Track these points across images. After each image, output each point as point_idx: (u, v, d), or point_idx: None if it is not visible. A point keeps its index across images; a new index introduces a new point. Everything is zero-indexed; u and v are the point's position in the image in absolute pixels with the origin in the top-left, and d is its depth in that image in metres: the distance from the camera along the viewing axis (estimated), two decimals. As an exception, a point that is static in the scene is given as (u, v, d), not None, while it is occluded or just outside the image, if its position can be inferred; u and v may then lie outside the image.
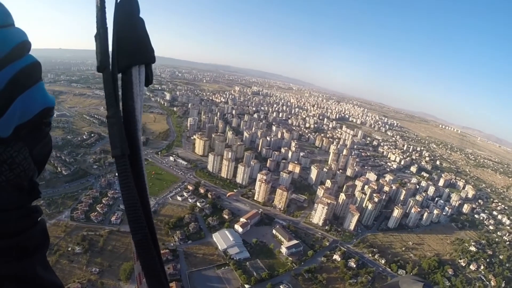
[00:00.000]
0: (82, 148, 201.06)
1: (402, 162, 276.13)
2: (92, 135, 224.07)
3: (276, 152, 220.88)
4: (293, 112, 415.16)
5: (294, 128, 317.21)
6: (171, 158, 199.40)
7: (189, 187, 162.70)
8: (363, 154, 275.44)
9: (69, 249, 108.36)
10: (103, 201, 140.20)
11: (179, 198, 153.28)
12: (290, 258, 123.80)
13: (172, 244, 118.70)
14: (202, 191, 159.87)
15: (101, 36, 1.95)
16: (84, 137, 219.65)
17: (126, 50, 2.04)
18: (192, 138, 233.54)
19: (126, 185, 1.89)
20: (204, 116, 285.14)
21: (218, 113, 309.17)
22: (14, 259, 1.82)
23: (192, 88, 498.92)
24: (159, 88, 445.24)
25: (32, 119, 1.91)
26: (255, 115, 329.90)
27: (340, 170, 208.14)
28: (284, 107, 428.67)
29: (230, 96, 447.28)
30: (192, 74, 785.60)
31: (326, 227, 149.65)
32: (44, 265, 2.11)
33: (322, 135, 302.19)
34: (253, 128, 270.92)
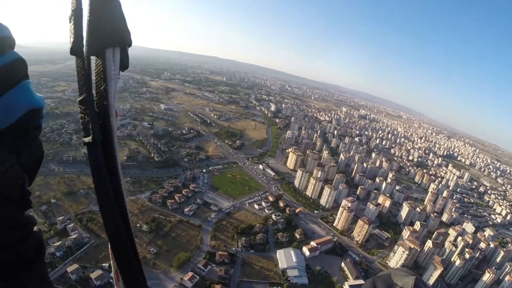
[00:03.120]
0: (179, 141, 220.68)
1: (509, 217, 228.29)
2: (192, 131, 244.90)
3: (369, 181, 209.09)
4: (397, 141, 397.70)
5: (395, 158, 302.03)
6: (260, 167, 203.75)
7: (269, 198, 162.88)
8: (465, 199, 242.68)
9: (138, 225, 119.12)
10: (183, 192, 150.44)
11: (256, 206, 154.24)
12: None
13: (233, 248, 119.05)
14: (281, 204, 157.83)
15: (75, 18, 1.93)
16: (184, 131, 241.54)
17: (100, 32, 1.97)
18: (286, 151, 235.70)
19: (97, 174, 1.85)
20: (304, 132, 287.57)
21: (319, 131, 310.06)
22: (5, 274, 1.78)
23: (299, 103, 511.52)
24: (266, 98, 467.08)
25: (16, 122, 1.84)
26: (357, 139, 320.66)
27: (435, 214, 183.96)
28: (389, 135, 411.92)
29: (335, 116, 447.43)
30: (301, 89, 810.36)
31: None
32: (40, 278, 2.06)
33: (424, 171, 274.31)
34: (351, 152, 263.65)
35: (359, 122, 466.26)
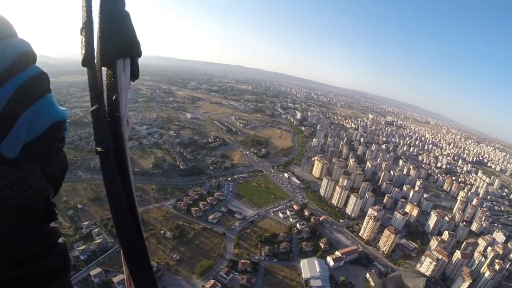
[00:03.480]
0: (205, 149, 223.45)
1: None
2: (217, 140, 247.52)
3: (396, 189, 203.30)
4: (425, 148, 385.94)
5: (423, 165, 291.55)
6: (286, 175, 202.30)
7: (294, 206, 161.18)
8: (496, 207, 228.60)
9: (162, 231, 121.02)
10: (208, 200, 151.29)
11: (280, 215, 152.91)
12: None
13: (256, 257, 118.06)
14: (306, 213, 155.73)
15: (86, 30, 1.98)
16: (209, 140, 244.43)
17: (110, 43, 2.04)
18: (312, 159, 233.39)
19: (110, 182, 1.88)
20: (330, 139, 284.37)
21: (345, 139, 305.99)
22: (30, 287, 1.80)
23: (325, 111, 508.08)
24: (292, 106, 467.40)
25: (41, 135, 1.88)
26: (384, 146, 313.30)
27: (464, 223, 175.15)
28: (417, 142, 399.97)
29: (362, 123, 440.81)
30: (327, 97, 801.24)
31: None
32: None
33: (453, 178, 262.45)
34: (378, 159, 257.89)
35: (386, 128, 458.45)
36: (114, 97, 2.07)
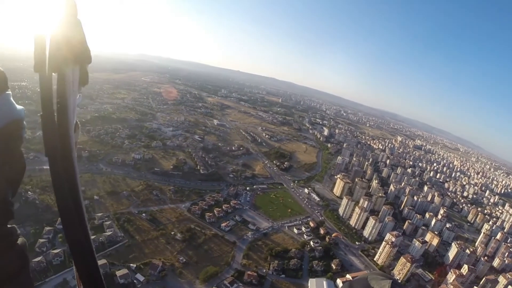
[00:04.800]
0: (227, 156, 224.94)
1: None
2: (241, 148, 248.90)
3: (418, 215, 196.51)
4: (453, 175, 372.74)
5: (448, 193, 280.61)
6: (306, 190, 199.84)
7: (310, 223, 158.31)
8: None
9: (172, 232, 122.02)
10: (223, 207, 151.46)
11: (295, 230, 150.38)
12: None
13: (264, 270, 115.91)
14: (322, 231, 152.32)
15: (38, 36, 2.11)
16: (233, 148, 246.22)
17: (59, 50, 2.16)
18: (335, 177, 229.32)
19: (57, 185, 1.97)
20: (355, 159, 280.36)
21: (371, 159, 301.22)
22: None
23: (353, 129, 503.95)
24: (320, 122, 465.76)
25: None
26: (409, 170, 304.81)
27: (486, 258, 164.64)
28: (444, 168, 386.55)
29: (390, 144, 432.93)
30: (357, 116, 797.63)
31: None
32: None
33: (478, 209, 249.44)
34: (402, 183, 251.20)
35: (414, 152, 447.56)
36: (62, 103, 2.18)
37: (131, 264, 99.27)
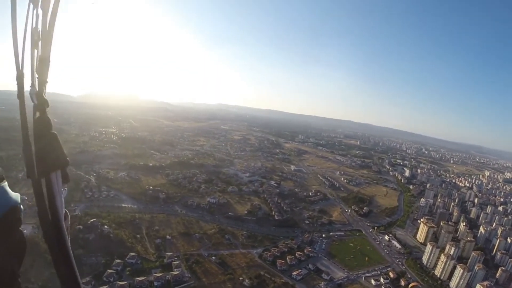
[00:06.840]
0: (304, 202, 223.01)
1: None
2: (318, 194, 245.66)
3: None
4: None
5: None
6: (386, 237, 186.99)
7: (390, 274, 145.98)
8: None
9: (240, 278, 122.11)
10: (296, 254, 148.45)
11: (373, 282, 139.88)
12: None
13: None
14: (402, 283, 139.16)
15: (26, 149, 2.89)
16: (310, 193, 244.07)
17: (43, 161, 2.82)
18: (418, 221, 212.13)
19: (57, 267, 2.60)
20: (439, 200, 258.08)
21: (457, 199, 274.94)
22: None
23: (436, 168, 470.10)
24: (401, 163, 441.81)
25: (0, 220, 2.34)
26: (501, 208, 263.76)
27: None
28: None
29: (477, 181, 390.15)
30: (439, 153, 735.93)
31: None
32: None
33: None
34: (494, 224, 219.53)
35: (504, 187, 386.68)
36: (52, 201, 2.73)
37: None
